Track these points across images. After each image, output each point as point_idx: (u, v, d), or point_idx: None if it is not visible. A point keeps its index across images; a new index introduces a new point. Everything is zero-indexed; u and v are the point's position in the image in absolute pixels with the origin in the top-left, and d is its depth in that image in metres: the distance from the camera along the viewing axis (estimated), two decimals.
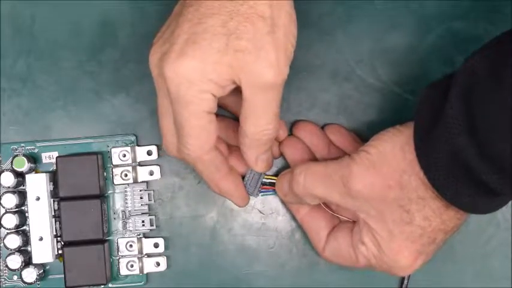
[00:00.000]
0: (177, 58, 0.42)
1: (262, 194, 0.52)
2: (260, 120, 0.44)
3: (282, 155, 0.52)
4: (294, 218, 0.53)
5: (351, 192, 0.45)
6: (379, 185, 0.44)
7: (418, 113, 0.43)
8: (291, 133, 0.52)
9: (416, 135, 0.43)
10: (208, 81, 0.42)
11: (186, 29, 0.42)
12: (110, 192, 0.53)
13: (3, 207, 0.51)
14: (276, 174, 0.51)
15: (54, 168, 0.52)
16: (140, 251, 0.52)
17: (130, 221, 0.52)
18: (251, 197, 0.51)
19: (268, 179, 0.51)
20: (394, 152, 0.44)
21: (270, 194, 0.52)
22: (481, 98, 0.40)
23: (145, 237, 0.53)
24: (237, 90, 0.43)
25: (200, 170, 0.47)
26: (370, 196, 0.44)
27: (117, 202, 0.53)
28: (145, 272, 0.52)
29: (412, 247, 0.45)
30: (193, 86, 0.42)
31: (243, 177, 0.51)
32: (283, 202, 0.53)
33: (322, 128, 0.52)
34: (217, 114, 0.51)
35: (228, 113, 0.52)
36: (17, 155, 0.51)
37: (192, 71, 0.42)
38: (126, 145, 0.53)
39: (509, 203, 0.53)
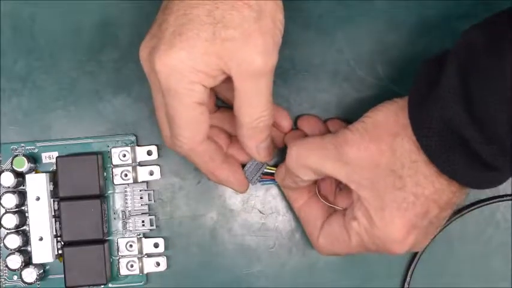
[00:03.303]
0: (166, 51, 0.42)
1: (262, 183, 0.52)
2: (254, 109, 0.44)
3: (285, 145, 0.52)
4: (294, 218, 0.53)
5: (344, 158, 0.44)
6: (372, 149, 0.44)
7: (415, 82, 0.44)
8: (295, 126, 0.52)
9: (411, 102, 0.43)
10: (198, 72, 0.42)
11: (172, 22, 0.42)
12: (110, 192, 0.53)
13: (3, 207, 0.51)
14: (277, 165, 0.51)
15: (54, 168, 0.52)
16: (140, 251, 0.52)
17: (130, 221, 0.53)
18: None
19: (269, 169, 0.51)
20: (388, 118, 0.44)
21: (270, 183, 0.52)
22: (478, 70, 0.40)
23: (145, 237, 0.53)
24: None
25: (195, 162, 0.47)
26: (364, 162, 0.44)
27: (117, 202, 0.53)
28: (145, 272, 0.52)
29: (404, 217, 0.44)
30: (183, 78, 0.42)
31: (244, 166, 0.50)
32: (283, 201, 0.53)
33: (325, 122, 0.52)
34: (219, 106, 0.51)
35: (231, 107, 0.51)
36: (17, 155, 0.51)
37: (180, 62, 0.42)
38: (126, 145, 0.53)
39: (509, 204, 0.53)
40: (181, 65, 0.42)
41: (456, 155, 0.42)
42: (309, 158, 0.46)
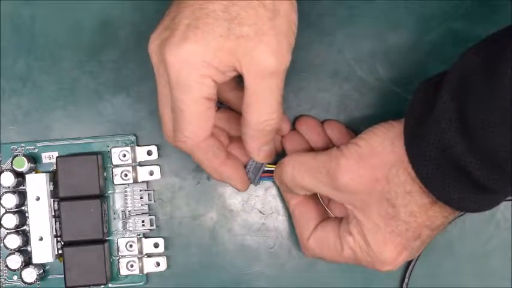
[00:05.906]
0: (179, 43, 0.42)
1: (261, 180, 0.52)
2: (263, 109, 0.44)
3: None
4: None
5: (338, 185, 0.45)
6: (366, 177, 0.44)
7: (410, 107, 0.43)
8: (293, 128, 0.52)
9: (407, 129, 0.43)
10: (210, 66, 0.42)
11: (187, 15, 0.42)
12: (110, 192, 0.53)
13: (3, 207, 0.51)
14: (276, 163, 0.51)
15: (54, 168, 0.52)
16: (140, 251, 0.52)
17: (130, 221, 0.53)
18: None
19: (268, 167, 0.51)
20: (384, 145, 0.44)
21: (269, 181, 0.52)
22: (474, 94, 0.39)
23: (145, 237, 0.53)
24: (239, 84, 0.43)
25: (199, 158, 0.47)
26: (357, 189, 0.44)
27: (117, 202, 0.53)
28: (145, 272, 0.52)
29: (396, 240, 0.45)
30: (194, 71, 0.42)
31: (245, 166, 0.50)
32: (283, 202, 0.53)
33: (322, 123, 0.52)
34: (218, 107, 0.51)
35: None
36: (17, 155, 0.51)
37: (193, 55, 0.41)
38: (126, 145, 0.53)
39: (509, 204, 0.53)
40: (193, 58, 0.42)
41: (452, 182, 0.41)
42: (303, 180, 0.47)
